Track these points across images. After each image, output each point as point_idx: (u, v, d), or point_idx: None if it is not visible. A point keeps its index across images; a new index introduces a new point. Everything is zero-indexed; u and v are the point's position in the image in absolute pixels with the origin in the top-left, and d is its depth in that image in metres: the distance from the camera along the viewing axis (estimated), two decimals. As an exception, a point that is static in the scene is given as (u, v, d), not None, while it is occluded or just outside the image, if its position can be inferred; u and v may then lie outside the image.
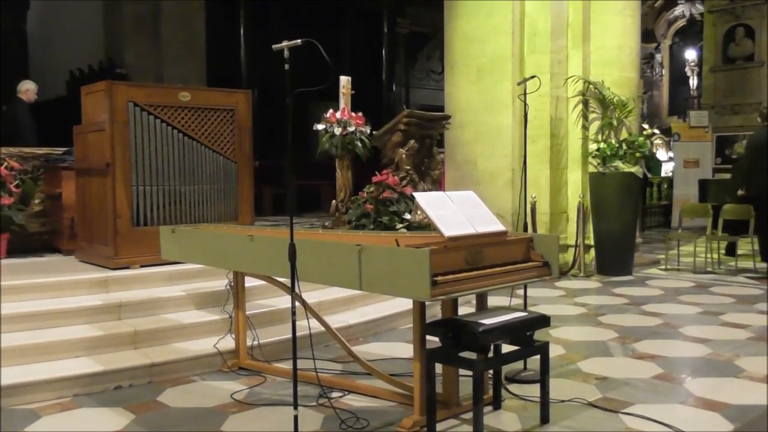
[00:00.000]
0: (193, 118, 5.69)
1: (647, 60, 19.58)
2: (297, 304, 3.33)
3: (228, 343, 4.71)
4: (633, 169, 8.21)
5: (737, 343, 5.22)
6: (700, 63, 17.69)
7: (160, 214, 5.54)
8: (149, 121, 5.47)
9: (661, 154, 15.90)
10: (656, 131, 8.72)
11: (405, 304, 5.53)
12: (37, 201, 6.67)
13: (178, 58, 12.56)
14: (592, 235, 8.49)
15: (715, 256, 8.90)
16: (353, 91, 8.16)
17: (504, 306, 4.16)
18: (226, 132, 5.89)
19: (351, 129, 7.76)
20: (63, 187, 6.39)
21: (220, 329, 4.85)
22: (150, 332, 4.68)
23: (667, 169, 16.65)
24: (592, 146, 8.46)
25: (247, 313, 4.74)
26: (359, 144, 7.81)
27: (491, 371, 3.84)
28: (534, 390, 3.87)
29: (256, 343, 4.73)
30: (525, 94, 5.03)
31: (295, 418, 3.22)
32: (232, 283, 4.72)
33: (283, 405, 3.89)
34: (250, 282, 4.81)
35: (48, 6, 13.79)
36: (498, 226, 3.62)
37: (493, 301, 4.09)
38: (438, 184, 7.93)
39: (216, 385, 4.30)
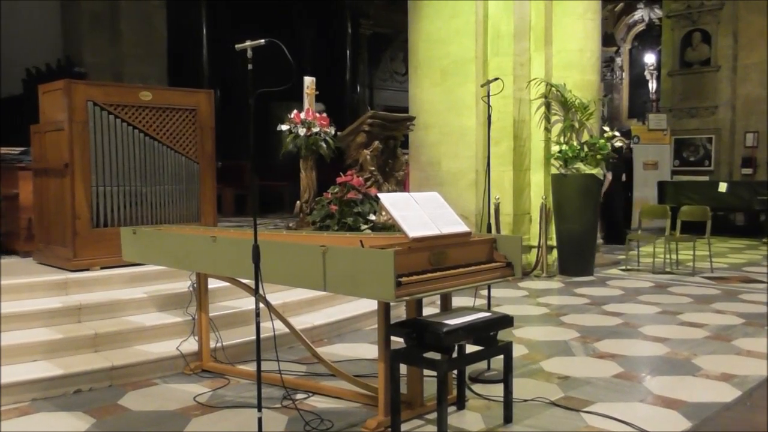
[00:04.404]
0: (154, 118, 5.63)
1: (608, 63, 19.84)
2: (261, 305, 3.32)
3: (191, 345, 4.65)
4: (594, 171, 8.34)
5: (694, 342, 5.32)
6: (658, 67, 17.95)
7: (121, 215, 5.46)
8: (109, 121, 5.39)
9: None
10: (617, 133, 8.84)
11: (369, 305, 5.53)
12: (-7, 202, 6.52)
13: (138, 56, 12.38)
14: (554, 236, 8.60)
15: (674, 256, 9.06)
16: (317, 92, 8.15)
17: (468, 306, 4.19)
18: (188, 132, 5.83)
19: (315, 130, 7.75)
20: (20, 187, 6.26)
21: (183, 331, 4.79)
22: (111, 335, 4.60)
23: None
24: (554, 148, 8.56)
25: (210, 314, 4.69)
26: (323, 145, 7.80)
27: (455, 371, 3.86)
28: (497, 390, 3.91)
29: (219, 345, 4.68)
30: (488, 95, 5.07)
31: (259, 420, 3.20)
32: (195, 285, 4.67)
33: (246, 407, 3.86)
34: (213, 283, 4.76)
35: (3, 3, 13.48)
36: (462, 227, 3.64)
37: (457, 301, 4.12)
38: (402, 185, 7.95)
39: (178, 388, 4.25)
